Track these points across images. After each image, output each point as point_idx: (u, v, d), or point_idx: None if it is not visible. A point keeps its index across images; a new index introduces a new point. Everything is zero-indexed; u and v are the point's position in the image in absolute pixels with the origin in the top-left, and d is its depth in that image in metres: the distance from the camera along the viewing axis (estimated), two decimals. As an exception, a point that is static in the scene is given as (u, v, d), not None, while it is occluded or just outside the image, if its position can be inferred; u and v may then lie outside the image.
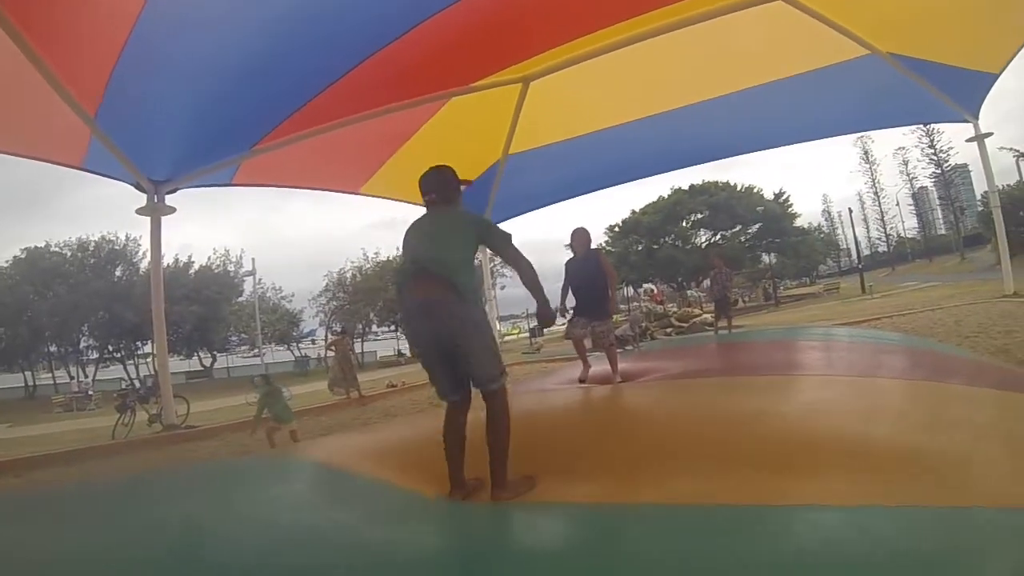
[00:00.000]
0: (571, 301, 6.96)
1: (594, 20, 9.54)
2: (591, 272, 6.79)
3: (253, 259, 43.60)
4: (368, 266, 44.95)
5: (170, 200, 11.26)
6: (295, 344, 50.44)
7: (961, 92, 12.92)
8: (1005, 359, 7.55)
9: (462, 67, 9.94)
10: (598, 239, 45.40)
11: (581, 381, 6.67)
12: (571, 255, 7.10)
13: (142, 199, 11.08)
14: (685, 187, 46.74)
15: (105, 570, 2.42)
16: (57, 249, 38.72)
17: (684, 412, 4.61)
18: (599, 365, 6.92)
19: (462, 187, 3.99)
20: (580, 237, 6.98)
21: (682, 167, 17.37)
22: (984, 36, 11.09)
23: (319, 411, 13.16)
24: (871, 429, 3.49)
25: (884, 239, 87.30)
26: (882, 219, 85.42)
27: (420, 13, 7.79)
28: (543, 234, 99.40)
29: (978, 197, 56.52)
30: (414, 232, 3.75)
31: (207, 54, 7.86)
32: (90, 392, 32.36)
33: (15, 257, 38.11)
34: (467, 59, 9.62)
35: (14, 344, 37.05)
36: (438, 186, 3.85)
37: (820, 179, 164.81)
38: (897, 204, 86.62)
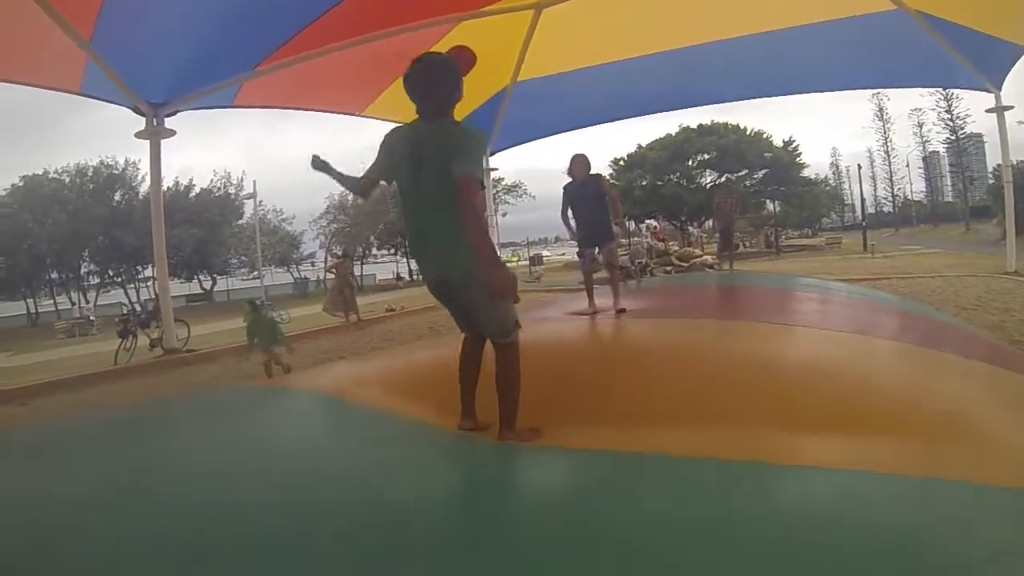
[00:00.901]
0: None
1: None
2: (592, 195, 6.67)
3: (254, 181, 43.63)
4: None
5: (170, 123, 11.13)
6: (295, 266, 50.41)
7: (987, 61, 12.58)
8: (999, 336, 7.52)
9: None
10: (603, 172, 45.13)
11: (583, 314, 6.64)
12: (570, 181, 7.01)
13: (141, 123, 10.96)
14: (694, 126, 46.01)
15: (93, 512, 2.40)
16: (56, 176, 38.58)
17: (678, 353, 4.58)
18: (600, 298, 6.86)
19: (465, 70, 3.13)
20: (579, 163, 6.80)
21: (693, 106, 17.17)
22: (1019, 5, 10.70)
23: (317, 335, 13.36)
24: (860, 389, 3.47)
25: (890, 199, 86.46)
26: (890, 179, 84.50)
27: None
28: (549, 163, 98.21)
29: (990, 169, 56.04)
30: (410, 158, 3.07)
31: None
32: (92, 317, 32.49)
33: (13, 185, 37.92)
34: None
35: (15, 272, 37.15)
36: (436, 90, 3.04)
37: (831, 131, 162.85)
38: (907, 166, 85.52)
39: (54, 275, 40.59)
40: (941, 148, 78.02)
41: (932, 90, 61.10)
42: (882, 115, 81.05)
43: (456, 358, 3.36)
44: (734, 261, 12.79)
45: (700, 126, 45.74)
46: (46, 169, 38.68)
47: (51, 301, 42.13)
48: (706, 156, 45.83)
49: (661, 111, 16.95)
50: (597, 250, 6.78)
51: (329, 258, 36.82)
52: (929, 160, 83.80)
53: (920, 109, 75.30)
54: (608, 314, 6.27)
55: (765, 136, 46.19)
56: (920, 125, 76.34)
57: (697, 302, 7.83)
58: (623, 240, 7.13)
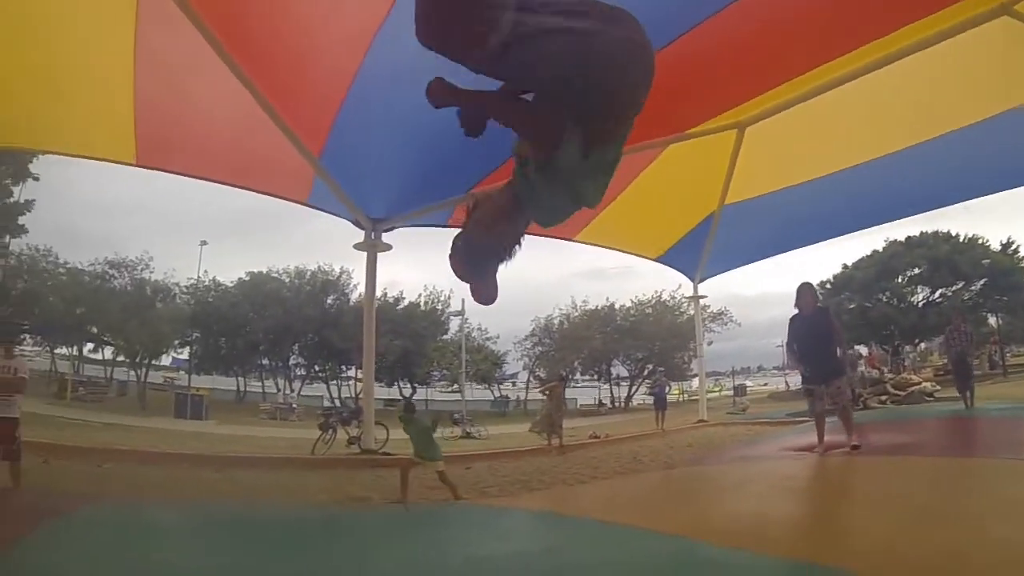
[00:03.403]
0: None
1: (811, 56, 8.82)
2: (820, 330, 6.40)
3: (463, 300, 44.59)
4: (576, 314, 45.12)
5: (386, 238, 11.81)
6: (496, 385, 51.08)
7: None
8: None
9: (678, 113, 9.59)
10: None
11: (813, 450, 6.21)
12: (795, 312, 6.70)
13: (358, 235, 11.71)
14: (901, 239, 41.94)
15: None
16: (277, 275, 42.51)
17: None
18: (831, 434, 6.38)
19: None
20: (806, 293, 6.60)
21: (900, 217, 15.49)
22: None
23: (517, 455, 13.21)
24: None
25: None
26: None
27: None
28: (751, 289, 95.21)
29: None
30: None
31: (422, 103, 8.15)
32: (294, 405, 35.22)
33: (240, 279, 42.33)
34: (682, 104, 9.25)
35: (231, 353, 41.62)
36: None
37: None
38: None
39: (265, 361, 44.27)
40: None
41: None
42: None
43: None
44: (974, 396, 11.37)
45: (908, 238, 41.81)
46: (269, 268, 42.90)
47: (259, 383, 45.71)
48: (916, 271, 41.68)
49: (868, 226, 15.75)
50: (825, 389, 6.34)
51: (532, 380, 37.49)
52: None
53: None
54: (841, 452, 5.78)
55: (980, 241, 41.44)
56: None
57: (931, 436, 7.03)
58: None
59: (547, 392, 16.15)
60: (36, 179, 23.84)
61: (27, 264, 33.52)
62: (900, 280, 42.10)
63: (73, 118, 8.38)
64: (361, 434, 12.90)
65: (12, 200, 23.12)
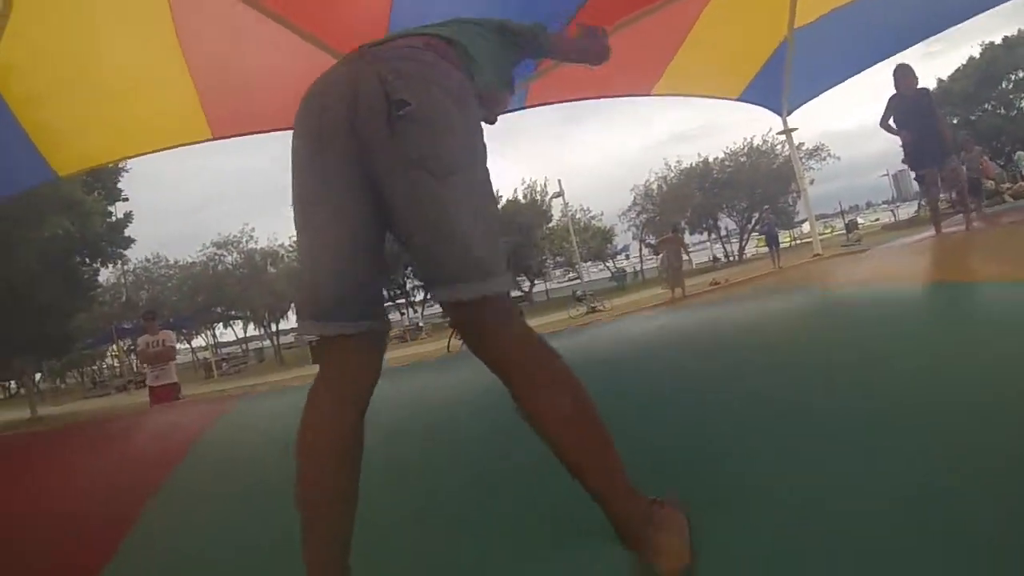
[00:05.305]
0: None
1: None
2: (923, 110, 6.16)
3: (559, 180, 44.22)
4: (672, 175, 44.80)
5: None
6: (610, 260, 51.45)
7: None
8: None
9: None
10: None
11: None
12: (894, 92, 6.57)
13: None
14: (998, 41, 37.82)
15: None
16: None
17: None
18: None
19: None
20: (907, 74, 6.36)
21: (992, 7, 13.94)
22: None
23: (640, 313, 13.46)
24: None
25: None
26: None
27: None
28: (845, 124, 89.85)
29: None
30: None
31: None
32: (420, 324, 37.66)
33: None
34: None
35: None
36: None
37: None
38: None
39: (384, 292, 45.71)
40: None
41: None
42: None
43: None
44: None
45: (1005, 39, 37.50)
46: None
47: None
48: (1021, 73, 37.82)
49: (954, 23, 14.36)
50: (938, 172, 6.20)
51: (644, 248, 37.23)
52: None
53: None
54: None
55: (1094, 30, 36.36)
56: None
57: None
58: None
59: (661, 246, 16.16)
60: (126, 199, 25.18)
61: (144, 276, 38.00)
62: (1005, 86, 38.41)
63: (142, 118, 8.68)
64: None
65: (113, 219, 24.41)
